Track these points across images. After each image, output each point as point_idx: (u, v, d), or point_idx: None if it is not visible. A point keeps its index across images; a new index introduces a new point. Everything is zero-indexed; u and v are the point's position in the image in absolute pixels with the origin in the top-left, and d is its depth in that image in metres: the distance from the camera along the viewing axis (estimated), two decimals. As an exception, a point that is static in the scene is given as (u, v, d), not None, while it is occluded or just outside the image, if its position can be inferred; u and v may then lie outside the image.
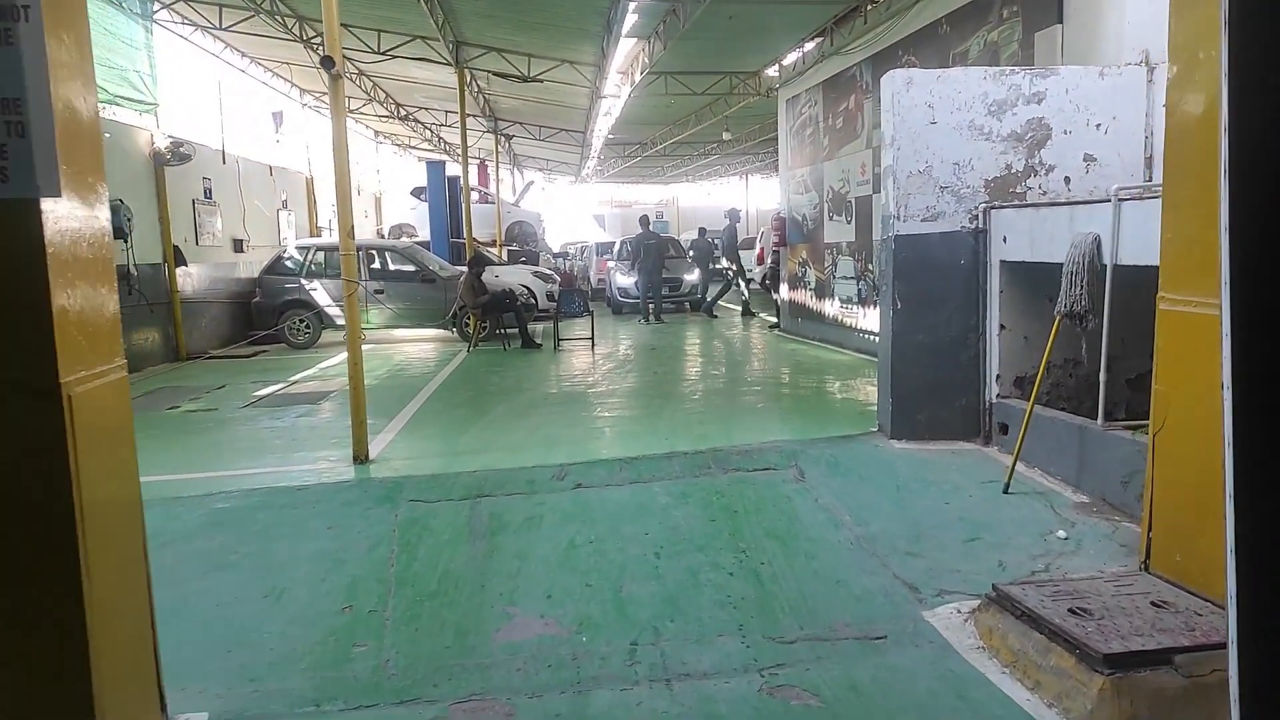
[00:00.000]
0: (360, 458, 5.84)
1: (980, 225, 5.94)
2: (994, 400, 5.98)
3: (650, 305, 16.07)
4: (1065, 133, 5.94)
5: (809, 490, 5.22)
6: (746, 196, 40.32)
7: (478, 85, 16.36)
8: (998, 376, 5.96)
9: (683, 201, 44.75)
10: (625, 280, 17.43)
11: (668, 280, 16.95)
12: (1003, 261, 5.83)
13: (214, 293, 13.73)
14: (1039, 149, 5.96)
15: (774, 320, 14.38)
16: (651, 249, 15.90)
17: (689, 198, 46.33)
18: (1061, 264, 4.96)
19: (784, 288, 13.41)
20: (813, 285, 12.11)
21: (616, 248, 19.41)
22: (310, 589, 4.10)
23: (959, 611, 3.75)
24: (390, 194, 28.05)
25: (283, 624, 3.79)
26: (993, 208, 5.89)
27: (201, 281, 13.35)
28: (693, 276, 18.04)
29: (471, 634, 3.66)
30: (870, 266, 10.23)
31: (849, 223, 10.78)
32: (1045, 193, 5.96)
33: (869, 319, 10.34)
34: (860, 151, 10.35)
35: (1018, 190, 5.97)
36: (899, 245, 5.97)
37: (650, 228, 16.09)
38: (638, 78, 13.87)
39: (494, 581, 4.12)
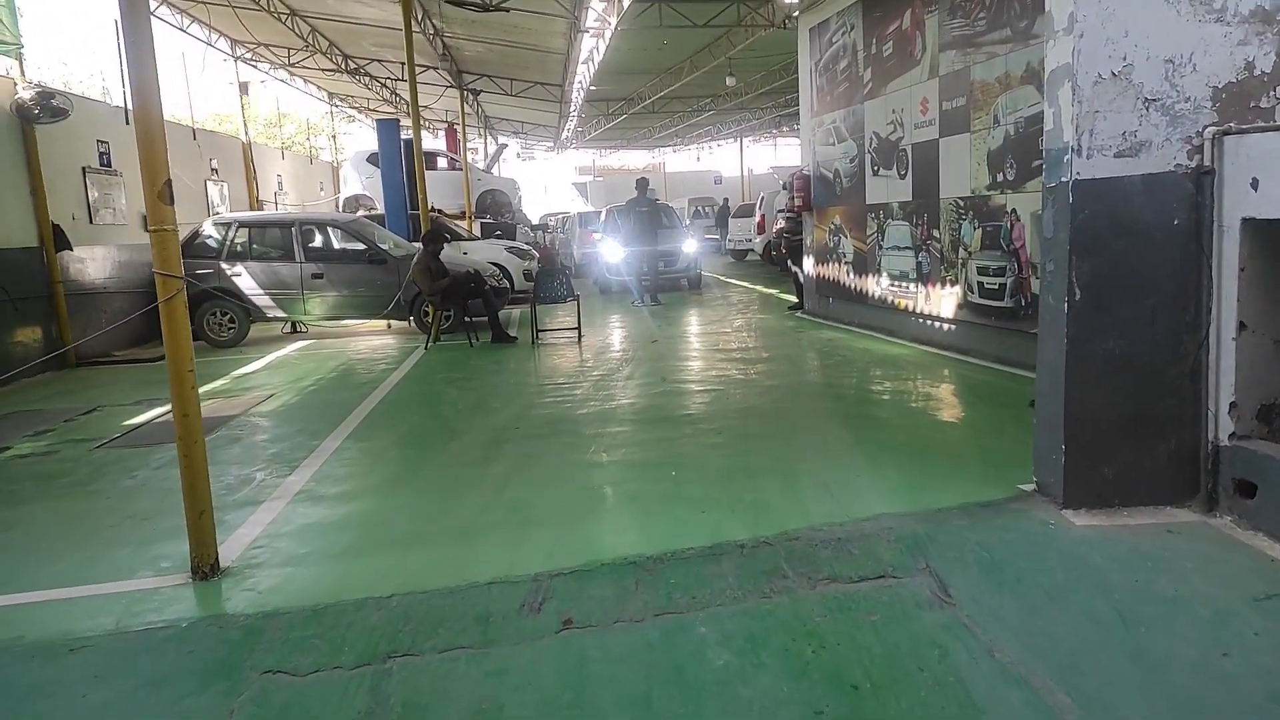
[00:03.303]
0: (203, 570, 3.53)
1: (1206, 162, 3.66)
2: (1225, 442, 3.73)
3: (645, 283, 13.75)
4: (1339, 10, 3.64)
5: (968, 626, 2.97)
6: (742, 161, 37.82)
7: (432, 24, 13.84)
8: (1232, 404, 3.70)
9: (670, 167, 42.26)
10: (614, 255, 15.10)
11: (663, 254, 14.62)
12: (1247, 220, 3.56)
13: (118, 281, 11.30)
14: (1297, 37, 3.66)
15: (794, 300, 12.09)
16: (644, 217, 13.55)
17: (676, 163, 43.80)
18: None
19: (808, 261, 11.10)
20: (849, 258, 9.81)
21: (603, 217, 17.04)
22: None
23: None
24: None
25: None
26: (1229, 133, 3.60)
27: (100, 268, 10.91)
28: (691, 249, 15.72)
29: None
30: (935, 233, 7.95)
31: (903, 177, 8.47)
32: (1303, 108, 3.69)
33: (933, 301, 8.08)
34: (919, 84, 8.01)
35: (1262, 104, 3.68)
36: (1079, 196, 3.67)
37: (646, 193, 13.69)
38: (626, 3, 11.41)
39: None
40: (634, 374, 7.94)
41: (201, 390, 8.11)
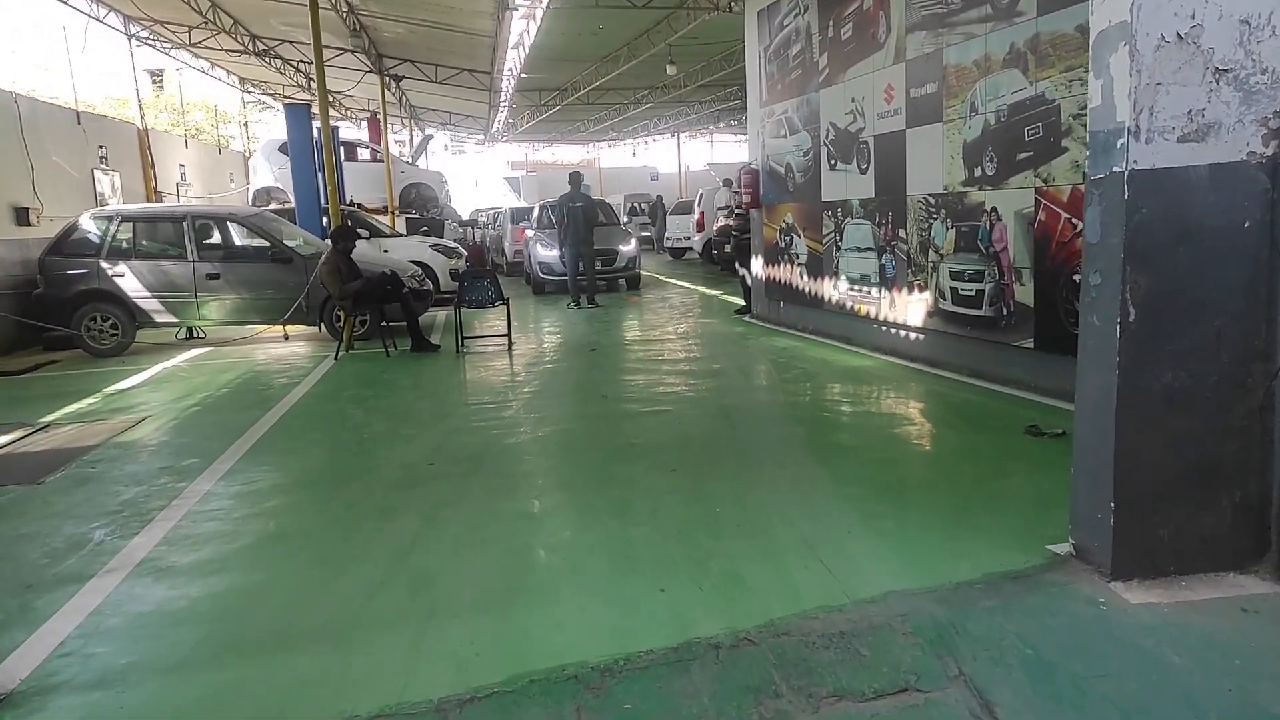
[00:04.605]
0: (-35, 704, 2.52)
1: (1285, 150, 2.94)
2: (1301, 495, 3.03)
3: (581, 284, 12.84)
4: None
5: (1032, 771, 2.17)
6: (679, 157, 37.11)
7: (345, 0, 12.66)
8: (1311, 450, 3.00)
9: (605, 163, 41.33)
10: (548, 253, 14.16)
11: (600, 253, 13.73)
12: (1337, 222, 2.86)
13: (-20, 282, 9.93)
14: (1389, -3, 2.96)
15: (741, 303, 11.33)
16: (578, 213, 12.62)
17: (612, 159, 42.91)
18: None
19: (757, 262, 10.35)
20: (803, 259, 9.06)
21: (536, 213, 16.07)
22: None
23: None
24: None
25: None
26: (1316, 113, 2.89)
27: (-45, 267, 9.54)
28: (629, 247, 14.88)
29: None
30: (901, 233, 7.24)
31: (864, 172, 7.74)
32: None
33: (898, 308, 7.37)
34: (883, 69, 7.29)
35: (1348, 80, 2.98)
36: (1137, 191, 2.91)
37: (581, 188, 12.76)
38: (560, -22, 10.47)
39: None
40: (570, 389, 7.06)
41: (63, 412, 6.98)
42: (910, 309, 7.20)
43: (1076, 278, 5.37)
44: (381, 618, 3.04)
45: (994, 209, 6.10)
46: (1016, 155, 5.83)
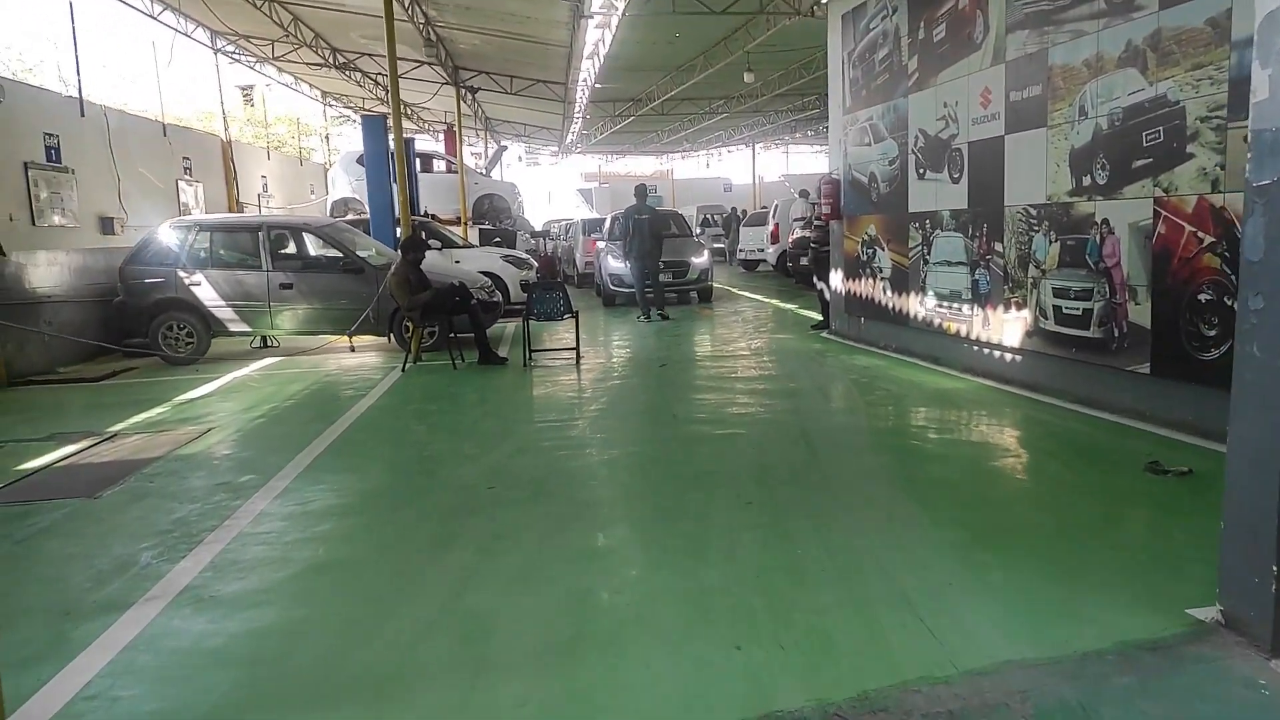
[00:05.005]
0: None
1: None
2: None
3: (648, 296, 12.53)
4: None
5: None
6: (753, 167, 36.65)
7: (421, 11, 12.68)
8: None
9: (678, 174, 41.13)
10: (618, 265, 13.91)
11: (670, 265, 13.43)
12: None
13: (69, 289, 10.11)
14: None
15: (818, 318, 10.88)
16: (644, 225, 12.30)
17: (685, 170, 42.65)
18: None
19: (836, 276, 9.90)
20: (887, 274, 8.59)
21: (607, 225, 15.88)
22: None
23: None
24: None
25: None
26: None
27: (43, 275, 9.73)
28: (701, 259, 14.54)
29: None
30: (997, 246, 6.74)
31: (956, 181, 7.26)
32: None
33: (993, 326, 6.86)
34: (979, 72, 6.81)
35: None
36: (1313, 199, 2.46)
37: (647, 199, 12.47)
38: (636, -16, 10.24)
39: None
40: (639, 408, 6.75)
41: (131, 421, 6.97)
42: (1006, 328, 6.69)
43: (1202, 297, 4.86)
44: (427, 668, 2.76)
45: (1105, 221, 5.58)
46: (1133, 162, 5.32)
